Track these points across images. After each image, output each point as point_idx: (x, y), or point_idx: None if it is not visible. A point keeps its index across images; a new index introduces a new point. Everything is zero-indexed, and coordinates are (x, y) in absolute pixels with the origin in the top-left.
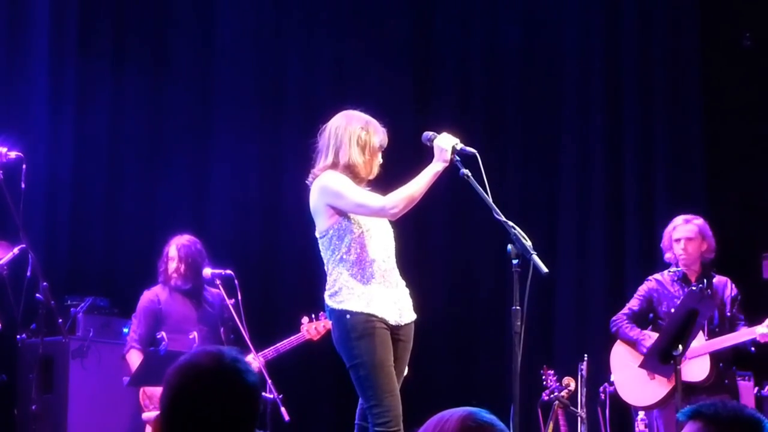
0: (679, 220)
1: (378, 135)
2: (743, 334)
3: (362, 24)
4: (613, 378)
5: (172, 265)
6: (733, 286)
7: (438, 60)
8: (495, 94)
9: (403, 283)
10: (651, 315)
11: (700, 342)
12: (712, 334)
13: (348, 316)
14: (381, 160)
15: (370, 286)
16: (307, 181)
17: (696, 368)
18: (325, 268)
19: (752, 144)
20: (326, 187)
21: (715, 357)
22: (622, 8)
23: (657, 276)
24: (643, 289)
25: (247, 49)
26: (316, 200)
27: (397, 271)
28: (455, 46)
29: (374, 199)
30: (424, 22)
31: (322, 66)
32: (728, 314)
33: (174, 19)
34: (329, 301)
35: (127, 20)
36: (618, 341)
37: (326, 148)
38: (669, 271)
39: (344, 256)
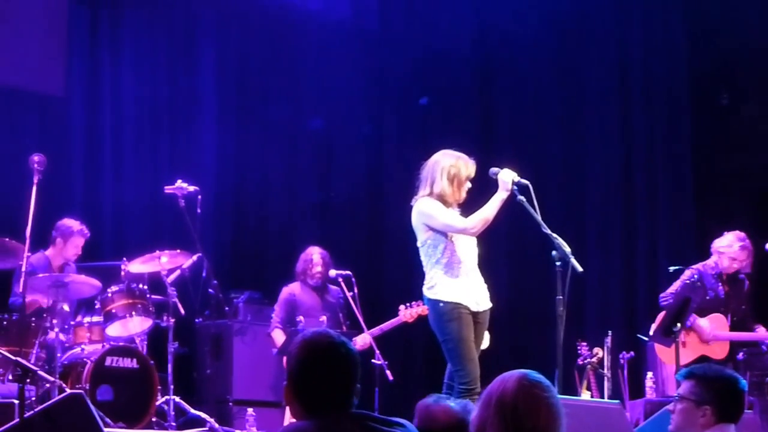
0: (737, 245)
1: (466, 168)
2: (761, 336)
3: (440, 90)
4: (651, 334)
5: (318, 269)
6: (747, 283)
7: (497, 113)
8: (541, 141)
9: (482, 279)
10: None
11: (724, 331)
12: (734, 326)
13: (441, 304)
14: (470, 185)
15: (458, 281)
16: (411, 203)
17: (718, 349)
18: (424, 268)
19: (730, 174)
20: (422, 211)
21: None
22: (630, 85)
23: (699, 266)
24: (687, 275)
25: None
26: (415, 219)
27: (478, 271)
28: (510, 103)
29: (458, 221)
30: (486, 86)
31: (415, 118)
32: (743, 307)
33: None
34: (427, 293)
35: (270, 90)
36: (664, 312)
37: (425, 180)
38: (711, 263)
39: (439, 260)
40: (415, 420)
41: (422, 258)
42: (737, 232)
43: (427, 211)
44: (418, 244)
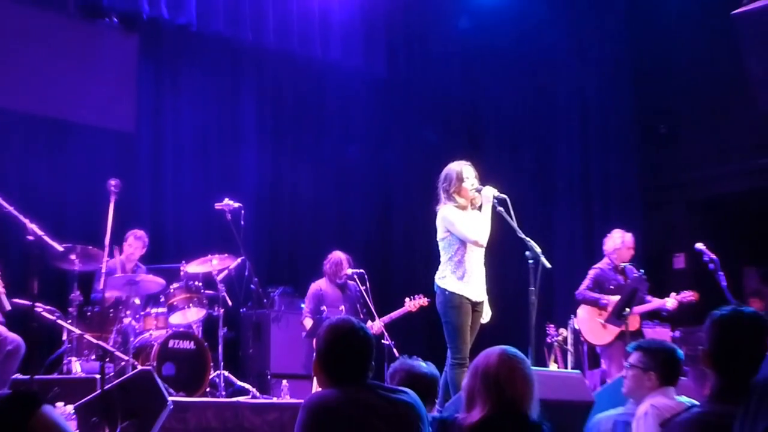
0: (628, 236)
1: (458, 176)
2: (657, 304)
3: (436, 125)
4: (577, 326)
5: (346, 271)
6: (635, 269)
7: (483, 143)
8: (517, 164)
9: (484, 276)
10: (597, 290)
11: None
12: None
13: (447, 293)
14: (474, 183)
15: (464, 276)
16: (436, 208)
17: (632, 323)
18: (441, 258)
19: (669, 188)
20: (445, 217)
21: (640, 315)
22: (589, 119)
23: (600, 265)
24: (592, 274)
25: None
26: (439, 221)
27: (483, 269)
28: (493, 136)
29: (472, 234)
30: (474, 122)
31: (416, 148)
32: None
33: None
34: (438, 282)
35: (299, 125)
36: (582, 305)
37: (441, 190)
38: (606, 262)
39: (451, 257)
40: (392, 378)
41: (440, 251)
42: (615, 230)
43: (449, 218)
44: (438, 238)
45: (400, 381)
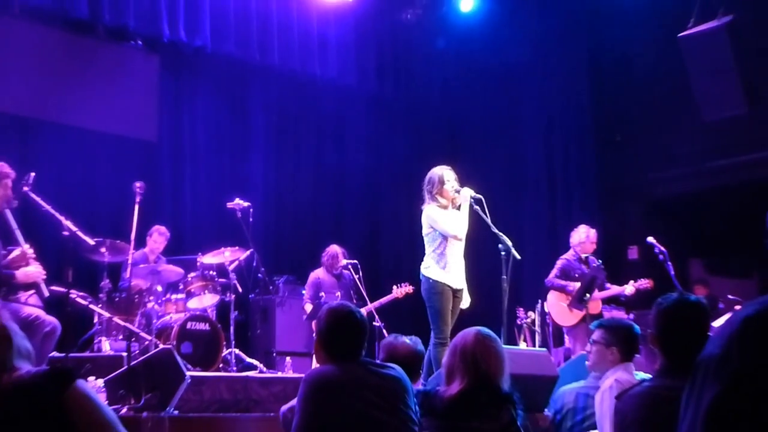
0: (592, 232)
1: (440, 179)
2: (617, 290)
3: (418, 134)
4: (547, 309)
5: (342, 262)
6: (596, 260)
7: (461, 151)
8: (491, 167)
9: (464, 266)
10: (563, 278)
11: (595, 293)
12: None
13: (431, 281)
14: (454, 185)
15: (446, 267)
16: (421, 207)
17: (593, 306)
18: (425, 251)
19: (623, 189)
20: (429, 215)
21: (602, 300)
22: (553, 128)
23: (566, 256)
24: (559, 264)
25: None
26: (423, 219)
27: (463, 260)
28: (470, 143)
29: (451, 229)
30: (452, 131)
31: (402, 154)
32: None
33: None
34: (423, 270)
35: (300, 134)
36: (551, 291)
37: (426, 192)
38: (571, 253)
39: (435, 250)
40: (381, 354)
41: (425, 244)
42: (581, 225)
43: (432, 216)
44: (423, 233)
45: (387, 357)
